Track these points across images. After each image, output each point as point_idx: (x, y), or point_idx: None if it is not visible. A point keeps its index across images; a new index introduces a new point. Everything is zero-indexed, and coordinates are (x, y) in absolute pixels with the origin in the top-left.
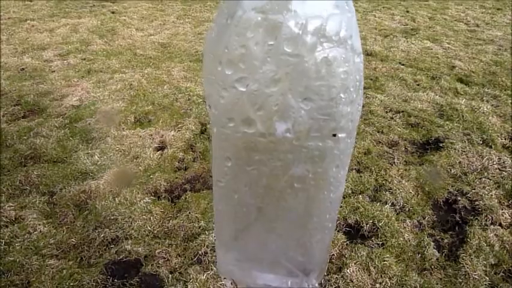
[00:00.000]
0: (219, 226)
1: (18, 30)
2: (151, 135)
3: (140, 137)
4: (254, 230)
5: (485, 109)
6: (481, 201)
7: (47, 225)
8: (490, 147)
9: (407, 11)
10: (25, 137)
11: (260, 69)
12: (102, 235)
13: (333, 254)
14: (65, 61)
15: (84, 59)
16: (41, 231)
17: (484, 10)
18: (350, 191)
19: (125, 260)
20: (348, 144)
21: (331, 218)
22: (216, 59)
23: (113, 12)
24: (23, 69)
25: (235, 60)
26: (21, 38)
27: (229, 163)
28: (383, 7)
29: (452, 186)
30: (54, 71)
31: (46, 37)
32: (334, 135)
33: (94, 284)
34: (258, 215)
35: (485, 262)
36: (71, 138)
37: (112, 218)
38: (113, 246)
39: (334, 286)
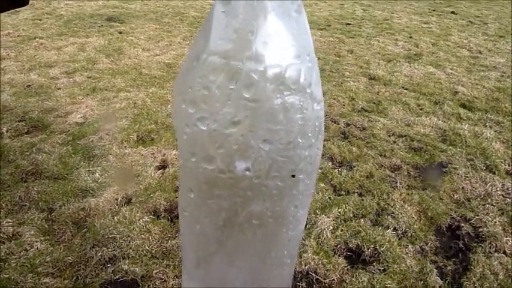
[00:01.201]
0: (184, 253)
1: (26, 48)
2: (153, 153)
3: (142, 155)
4: (215, 261)
5: (489, 135)
6: (484, 228)
7: (44, 242)
8: (494, 173)
9: (411, 37)
10: (27, 153)
11: (220, 110)
12: (99, 254)
13: (334, 279)
14: (71, 79)
15: (90, 77)
16: (37, 248)
17: (486, 37)
18: (352, 215)
19: (121, 280)
20: (308, 185)
21: (289, 255)
22: (181, 97)
23: (120, 33)
24: (29, 85)
25: (198, 100)
26: (29, 55)
27: (192, 195)
28: (386, 32)
29: (455, 212)
30: (59, 88)
31: (54, 55)
32: (293, 176)
33: None
34: (219, 247)
35: None
36: (73, 155)
37: (110, 236)
38: (110, 265)
39: None
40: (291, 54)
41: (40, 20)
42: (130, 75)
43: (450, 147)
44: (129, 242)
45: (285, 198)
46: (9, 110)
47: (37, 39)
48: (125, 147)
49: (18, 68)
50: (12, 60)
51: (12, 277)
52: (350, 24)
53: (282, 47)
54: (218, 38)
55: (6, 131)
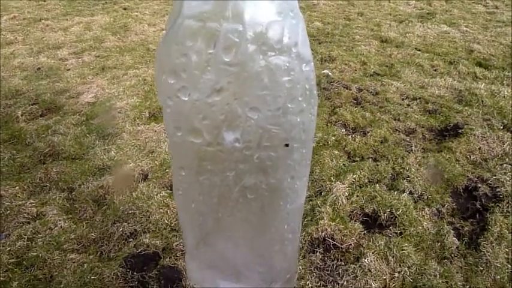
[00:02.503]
0: (183, 233)
1: (33, 30)
2: None
3: (155, 131)
4: (212, 239)
5: (506, 93)
6: (502, 188)
7: (67, 221)
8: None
9: None
10: (43, 135)
11: (201, 78)
12: (120, 229)
13: (350, 244)
14: (80, 59)
15: (98, 56)
16: (61, 226)
17: None
18: (367, 180)
19: (143, 253)
20: (303, 154)
21: (290, 229)
22: (161, 67)
23: (124, 9)
24: (39, 68)
25: (177, 69)
26: (37, 37)
27: (183, 172)
28: None
29: (472, 173)
30: (69, 69)
31: (60, 36)
32: (287, 145)
33: (114, 277)
34: (215, 224)
35: (507, 250)
36: (87, 135)
37: (130, 212)
38: (131, 240)
39: (351, 276)
40: (272, 11)
41: (44, 1)
42: (138, 51)
43: (466, 107)
44: (149, 217)
45: (280, 169)
46: (22, 94)
47: (43, 20)
48: (138, 124)
49: (27, 51)
50: (20, 43)
51: (40, 255)
52: None
53: (262, 3)
54: None
55: (21, 115)
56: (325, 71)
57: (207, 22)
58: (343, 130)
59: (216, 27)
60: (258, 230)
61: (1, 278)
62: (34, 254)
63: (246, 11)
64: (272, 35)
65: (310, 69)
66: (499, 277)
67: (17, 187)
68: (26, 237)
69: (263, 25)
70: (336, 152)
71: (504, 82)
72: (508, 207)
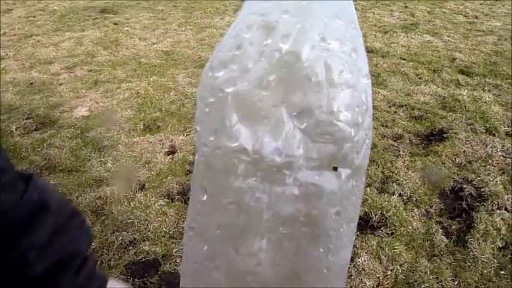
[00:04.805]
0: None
1: (24, 46)
2: (161, 140)
3: (150, 142)
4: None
5: (487, 98)
6: (486, 188)
7: None
8: (494, 135)
9: (406, 6)
10: (39, 149)
11: (252, 68)
12: (120, 238)
13: None
14: (72, 73)
15: (91, 70)
16: None
17: (482, 1)
18: None
19: (143, 260)
20: (353, 187)
21: None
22: (209, 65)
23: (115, 24)
24: (32, 83)
25: (227, 61)
26: (28, 53)
27: (205, 196)
28: (381, 3)
29: (457, 175)
30: (62, 84)
31: (52, 51)
32: (335, 168)
33: None
34: (227, 267)
35: (492, 245)
36: (83, 147)
37: (128, 221)
38: (131, 248)
39: (346, 275)
40: (331, 13)
41: (34, 17)
42: (130, 65)
43: (450, 113)
44: (147, 225)
45: (324, 198)
46: (15, 108)
47: (33, 36)
48: (133, 136)
49: (19, 66)
50: (11, 59)
51: None
52: None
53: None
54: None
55: (16, 129)
56: None
57: (266, 16)
58: None
59: (276, 19)
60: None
61: None
62: None
63: (306, 4)
64: (331, 33)
65: (368, 83)
66: (486, 271)
67: None
68: None
69: (324, 22)
70: None
71: (485, 88)
72: (492, 205)
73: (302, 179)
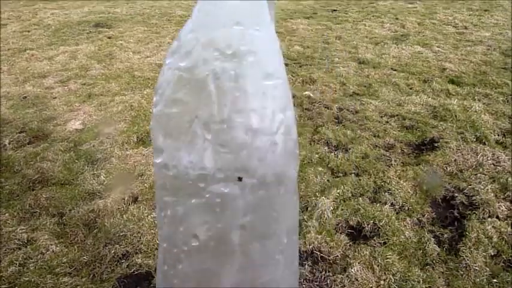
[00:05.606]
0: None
1: (18, 60)
2: None
3: (144, 155)
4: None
5: (477, 108)
6: (477, 196)
7: (58, 245)
8: (484, 143)
9: (397, 18)
10: (32, 162)
11: (166, 90)
12: (112, 251)
13: (337, 255)
14: (66, 87)
15: (84, 84)
16: (53, 251)
17: (471, 12)
18: (350, 194)
19: (136, 273)
20: (261, 200)
21: None
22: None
23: (109, 38)
24: (25, 97)
25: (157, 88)
26: (22, 67)
27: (157, 211)
28: (372, 16)
29: (449, 184)
30: (55, 97)
31: (46, 65)
32: (240, 178)
33: None
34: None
35: (484, 254)
36: (76, 160)
37: (121, 234)
38: (123, 261)
39: (340, 286)
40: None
41: (28, 31)
42: (124, 78)
43: (441, 122)
44: (140, 238)
45: (227, 211)
46: (8, 122)
47: (28, 50)
48: (126, 149)
49: (13, 80)
50: (5, 73)
51: (33, 279)
52: (336, 10)
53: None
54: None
55: (9, 143)
56: (306, 93)
57: (185, 38)
58: (326, 148)
59: (183, 39)
60: None
61: None
62: (26, 279)
63: (208, 18)
64: (223, 40)
65: (273, 84)
66: (478, 280)
67: (7, 214)
68: (17, 262)
69: (221, 32)
70: (320, 168)
71: (475, 98)
72: (483, 214)
73: (214, 190)
